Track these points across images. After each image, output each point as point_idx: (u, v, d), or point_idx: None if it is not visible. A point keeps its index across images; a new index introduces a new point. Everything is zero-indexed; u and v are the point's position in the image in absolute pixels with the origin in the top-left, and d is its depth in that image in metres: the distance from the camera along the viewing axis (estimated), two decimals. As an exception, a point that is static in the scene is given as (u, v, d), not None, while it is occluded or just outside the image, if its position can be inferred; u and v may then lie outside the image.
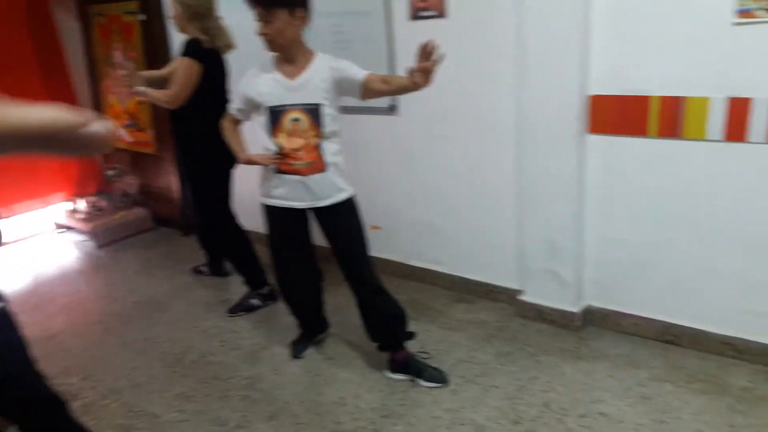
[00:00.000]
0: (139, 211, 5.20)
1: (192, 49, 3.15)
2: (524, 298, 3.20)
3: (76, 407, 2.79)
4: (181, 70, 3.14)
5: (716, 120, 2.46)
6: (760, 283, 2.55)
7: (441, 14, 3.09)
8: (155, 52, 4.57)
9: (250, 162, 2.63)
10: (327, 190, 2.60)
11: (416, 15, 3.18)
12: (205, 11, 3.16)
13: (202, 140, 3.30)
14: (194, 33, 3.16)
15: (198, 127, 3.28)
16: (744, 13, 2.29)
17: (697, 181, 2.59)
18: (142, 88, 3.24)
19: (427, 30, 3.10)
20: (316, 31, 3.50)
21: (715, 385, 2.55)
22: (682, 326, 2.80)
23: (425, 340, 3.08)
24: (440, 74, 3.00)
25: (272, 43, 2.47)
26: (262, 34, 2.43)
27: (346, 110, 3.40)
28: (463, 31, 3.05)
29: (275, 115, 2.52)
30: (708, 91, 2.45)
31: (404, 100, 3.39)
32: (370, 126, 3.60)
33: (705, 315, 2.73)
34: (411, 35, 3.18)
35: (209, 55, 3.18)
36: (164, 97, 3.19)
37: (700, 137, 2.52)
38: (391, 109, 3.46)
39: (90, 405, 2.84)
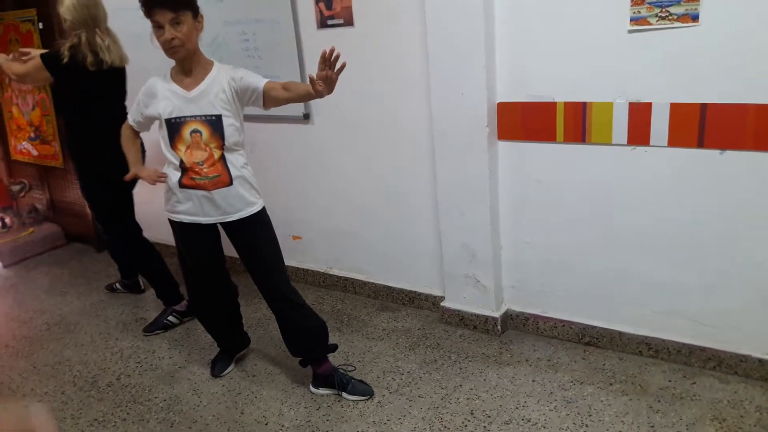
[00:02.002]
0: (49, 227, 4.98)
1: (47, 54, 3.14)
2: (446, 304, 3.20)
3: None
4: (33, 60, 3.15)
5: (620, 124, 2.51)
6: (669, 282, 2.62)
7: (348, 23, 3.07)
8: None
9: (136, 176, 2.60)
10: (235, 204, 2.53)
11: (323, 23, 3.15)
12: (81, 25, 3.05)
13: (88, 156, 3.27)
14: (64, 45, 3.09)
15: (83, 143, 3.24)
16: (638, 20, 2.35)
17: (605, 184, 2.64)
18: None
19: (335, 39, 3.07)
20: (224, 38, 3.46)
21: (634, 385, 2.60)
22: (600, 328, 2.84)
23: (349, 351, 3.04)
24: (351, 82, 2.99)
25: (181, 49, 2.37)
26: (171, 38, 2.32)
27: (259, 118, 3.37)
28: (370, 39, 3.04)
29: (174, 127, 2.45)
30: (611, 96, 2.50)
31: (317, 108, 3.36)
32: (285, 134, 3.55)
33: (621, 316, 2.79)
34: (319, 44, 3.11)
35: (66, 70, 3.07)
36: (8, 68, 3.22)
37: (606, 141, 2.57)
38: (305, 117, 3.41)
39: (-4, 436, 2.68)
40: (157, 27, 2.33)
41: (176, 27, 2.32)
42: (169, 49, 2.36)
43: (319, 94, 2.25)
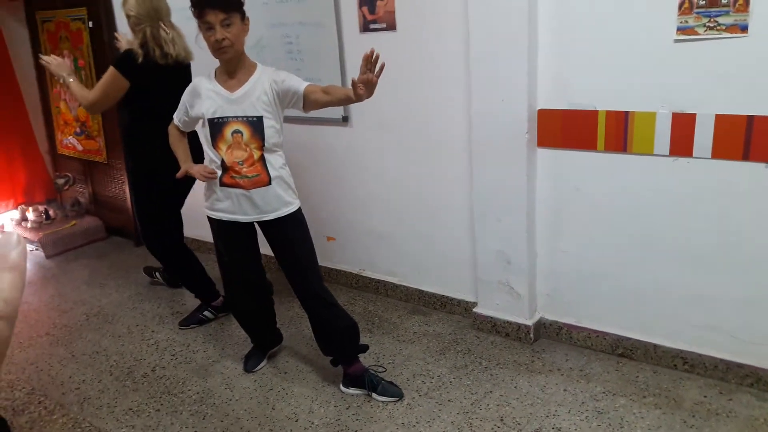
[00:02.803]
0: (91, 221, 5.08)
1: (120, 60, 3.10)
2: (478, 310, 3.19)
3: (22, 422, 2.72)
4: (104, 77, 3.10)
5: (663, 135, 2.48)
6: (709, 296, 2.58)
7: (390, 27, 3.09)
8: (105, 60, 4.48)
9: (186, 173, 2.63)
10: (272, 203, 2.58)
11: (366, 27, 3.18)
12: (145, 19, 3.06)
13: (146, 152, 3.27)
14: (133, 43, 3.10)
15: (143, 138, 3.25)
16: (685, 30, 2.33)
17: (646, 195, 2.61)
18: (64, 76, 3.19)
19: (377, 42, 3.09)
20: (267, 41, 3.51)
21: (668, 399, 2.56)
22: (635, 339, 2.81)
23: (380, 353, 3.06)
24: (392, 85, 3.01)
25: (230, 50, 2.42)
26: (222, 39, 2.37)
27: (299, 120, 3.41)
28: (412, 43, 3.06)
29: (216, 127, 2.50)
30: (654, 106, 2.48)
31: (356, 111, 3.38)
32: (324, 136, 3.58)
33: (657, 328, 2.75)
34: (361, 47, 3.14)
35: (142, 69, 3.06)
36: (82, 97, 3.16)
37: (647, 152, 2.54)
38: (344, 120, 3.44)
39: (36, 420, 2.76)
40: (208, 28, 2.38)
41: (226, 28, 2.37)
42: (218, 49, 2.41)
43: (359, 98, 2.27)
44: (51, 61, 3.22)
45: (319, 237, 3.75)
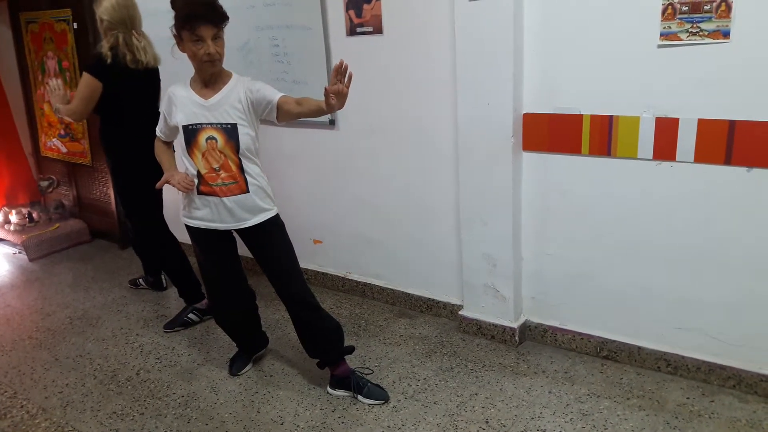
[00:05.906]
0: (74, 223, 5.05)
1: (90, 64, 3.15)
2: (464, 313, 3.20)
3: (4, 426, 2.70)
4: (80, 85, 3.14)
5: (646, 139, 2.51)
6: (691, 299, 2.60)
7: (377, 30, 3.11)
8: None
9: (167, 182, 2.61)
10: (250, 211, 2.58)
11: (353, 31, 3.19)
12: (118, 25, 3.10)
13: (122, 153, 3.30)
14: (103, 47, 3.13)
15: (118, 140, 3.29)
16: (668, 36, 2.36)
17: (630, 198, 2.64)
18: (57, 105, 3.20)
19: (364, 46, 3.13)
20: (254, 43, 3.51)
21: (651, 401, 2.58)
22: (619, 342, 2.83)
23: (366, 355, 3.06)
24: (378, 89, 3.01)
25: (219, 63, 2.45)
26: (215, 52, 2.39)
27: (286, 123, 3.40)
28: (399, 47, 3.08)
29: (190, 133, 2.50)
30: (638, 110, 2.50)
31: (343, 115, 3.39)
32: (310, 139, 3.58)
33: (641, 331, 2.77)
34: (348, 50, 3.19)
35: (111, 71, 3.10)
36: (66, 111, 3.18)
37: (631, 156, 2.56)
38: (331, 123, 3.45)
39: (19, 424, 2.74)
40: (197, 41, 2.37)
41: (216, 42, 2.39)
42: (209, 61, 2.41)
43: (331, 108, 2.29)
44: (55, 90, 3.23)
45: (305, 240, 3.75)
